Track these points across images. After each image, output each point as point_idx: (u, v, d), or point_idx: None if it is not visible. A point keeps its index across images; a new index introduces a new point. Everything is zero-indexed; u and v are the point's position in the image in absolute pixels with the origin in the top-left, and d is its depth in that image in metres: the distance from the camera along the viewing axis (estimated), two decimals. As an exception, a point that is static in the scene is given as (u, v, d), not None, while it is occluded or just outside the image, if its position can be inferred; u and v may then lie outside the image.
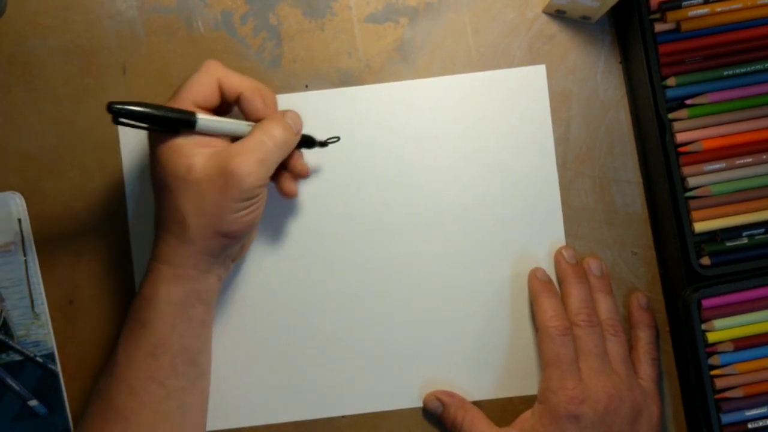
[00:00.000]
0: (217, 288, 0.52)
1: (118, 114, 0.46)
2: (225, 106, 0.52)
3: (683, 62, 0.55)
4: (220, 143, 0.50)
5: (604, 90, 0.58)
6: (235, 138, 0.50)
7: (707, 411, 0.53)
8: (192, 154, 0.48)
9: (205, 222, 0.48)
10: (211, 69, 0.50)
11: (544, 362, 0.54)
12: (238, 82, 0.50)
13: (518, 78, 0.58)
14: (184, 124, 0.48)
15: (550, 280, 0.56)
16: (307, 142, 0.55)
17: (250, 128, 0.51)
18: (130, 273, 0.57)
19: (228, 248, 0.50)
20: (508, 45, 0.58)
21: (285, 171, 0.54)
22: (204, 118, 0.49)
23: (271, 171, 0.50)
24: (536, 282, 0.56)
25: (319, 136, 0.56)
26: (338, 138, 0.56)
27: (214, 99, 0.50)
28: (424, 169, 0.58)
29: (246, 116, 0.52)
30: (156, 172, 0.49)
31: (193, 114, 0.48)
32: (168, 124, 0.48)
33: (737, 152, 0.55)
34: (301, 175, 0.54)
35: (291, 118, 0.52)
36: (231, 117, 0.51)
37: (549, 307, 0.55)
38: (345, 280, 0.57)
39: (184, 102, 0.49)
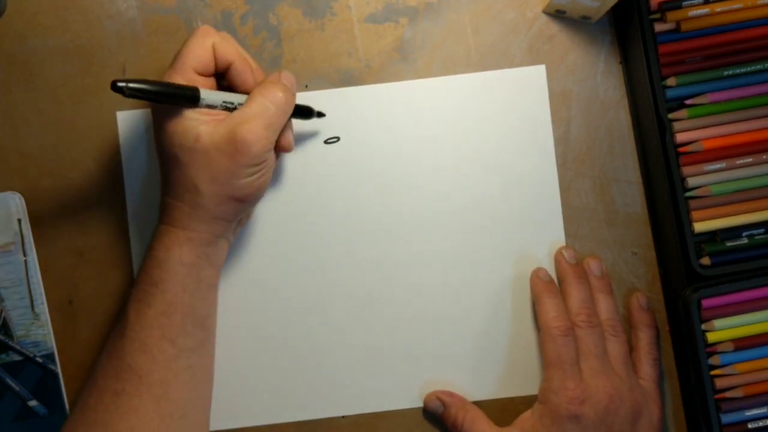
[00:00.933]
0: (225, 251, 0.54)
1: (121, 91, 0.47)
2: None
3: (683, 62, 0.55)
4: (221, 112, 0.50)
5: (604, 90, 0.58)
6: (234, 108, 0.51)
7: (707, 411, 0.53)
8: (197, 123, 0.49)
9: (217, 189, 0.49)
10: (207, 34, 0.51)
11: (545, 362, 0.54)
12: (230, 51, 0.51)
13: (518, 78, 0.58)
14: (189, 99, 0.49)
15: (552, 280, 0.56)
16: (304, 112, 0.55)
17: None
18: (130, 273, 0.57)
19: (241, 212, 0.52)
20: (508, 45, 0.58)
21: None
22: (206, 94, 0.49)
23: (277, 134, 0.51)
24: (538, 282, 0.56)
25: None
26: (324, 114, 0.56)
27: (211, 65, 0.51)
28: (424, 169, 0.58)
29: (233, 87, 0.52)
30: (163, 144, 0.50)
31: (196, 89, 0.49)
32: (173, 99, 0.49)
33: (737, 152, 0.55)
34: (285, 148, 0.54)
35: (287, 78, 0.52)
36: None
37: (551, 308, 0.55)
38: (345, 280, 0.57)
39: (185, 71, 0.50)
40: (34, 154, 0.58)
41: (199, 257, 0.51)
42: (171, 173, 0.50)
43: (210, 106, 0.50)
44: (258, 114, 0.49)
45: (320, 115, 0.56)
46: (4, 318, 0.56)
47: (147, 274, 0.51)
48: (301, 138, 0.57)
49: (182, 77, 0.50)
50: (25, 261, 0.56)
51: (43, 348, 0.56)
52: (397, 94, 0.58)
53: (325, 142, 0.57)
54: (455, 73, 0.58)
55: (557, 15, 0.58)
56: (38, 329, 0.56)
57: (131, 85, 0.46)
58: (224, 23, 0.58)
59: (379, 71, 0.58)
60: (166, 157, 0.50)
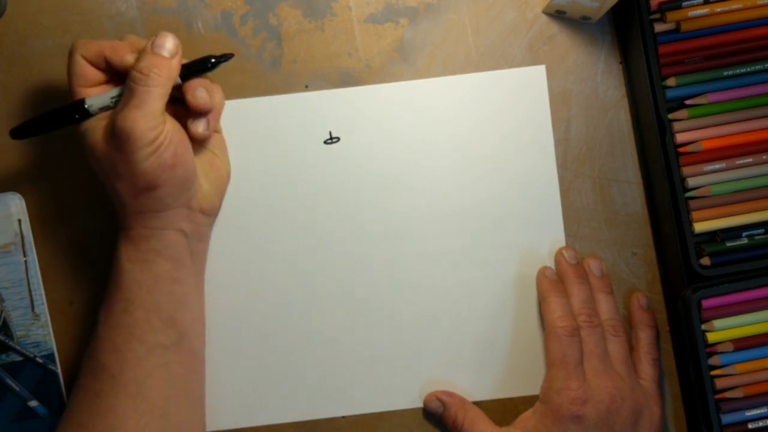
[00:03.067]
0: (181, 243, 0.52)
1: (22, 137, 0.51)
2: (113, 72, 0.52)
3: (683, 62, 0.55)
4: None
5: (604, 90, 0.58)
6: None
7: (707, 411, 0.53)
8: (93, 133, 0.50)
9: (126, 184, 0.49)
10: (73, 52, 0.50)
11: (549, 362, 0.54)
12: (98, 49, 0.50)
13: (518, 78, 0.58)
14: (79, 112, 0.50)
15: (559, 280, 0.56)
16: (200, 67, 0.51)
17: None
18: (130, 273, 0.57)
19: (164, 198, 0.50)
20: (508, 45, 0.58)
21: (188, 112, 0.52)
22: (92, 100, 0.50)
23: (156, 109, 0.48)
24: (545, 281, 0.56)
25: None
26: (232, 55, 0.51)
27: (94, 74, 0.51)
28: (424, 170, 0.58)
29: (126, 72, 0.50)
30: (89, 162, 0.51)
31: (80, 101, 0.50)
32: (65, 120, 0.50)
33: (737, 152, 0.55)
34: (199, 109, 0.51)
35: (157, 45, 0.49)
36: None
37: (557, 307, 0.54)
38: (345, 281, 0.57)
39: (77, 93, 0.50)
40: (34, 155, 0.58)
41: (146, 253, 0.51)
42: (104, 184, 0.51)
43: (106, 108, 0.50)
44: (128, 97, 0.48)
45: (224, 58, 0.51)
46: (5, 318, 0.56)
47: (110, 277, 0.52)
48: (301, 138, 0.57)
49: (76, 99, 0.50)
50: (25, 261, 0.56)
51: (44, 348, 0.56)
52: (397, 95, 0.58)
53: (325, 142, 0.57)
54: (455, 73, 0.58)
55: (557, 15, 0.58)
56: (38, 330, 0.56)
57: (18, 130, 0.51)
58: (224, 23, 0.58)
59: (379, 71, 0.58)
60: (94, 171, 0.51)
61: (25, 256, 0.56)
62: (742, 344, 0.53)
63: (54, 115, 0.51)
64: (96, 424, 0.49)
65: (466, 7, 0.58)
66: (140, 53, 0.50)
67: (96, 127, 0.50)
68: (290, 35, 0.58)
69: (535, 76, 0.58)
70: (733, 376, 0.53)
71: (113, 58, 0.50)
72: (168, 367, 0.51)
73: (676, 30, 0.55)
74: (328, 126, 0.58)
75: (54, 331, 0.57)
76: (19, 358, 0.56)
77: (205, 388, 0.55)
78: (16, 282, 0.56)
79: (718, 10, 0.54)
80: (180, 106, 0.52)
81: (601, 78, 0.58)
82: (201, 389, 0.55)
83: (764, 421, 0.53)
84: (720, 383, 0.53)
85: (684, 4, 0.54)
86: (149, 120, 0.48)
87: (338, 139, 0.57)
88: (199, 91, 0.51)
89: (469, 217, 0.57)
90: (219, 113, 0.53)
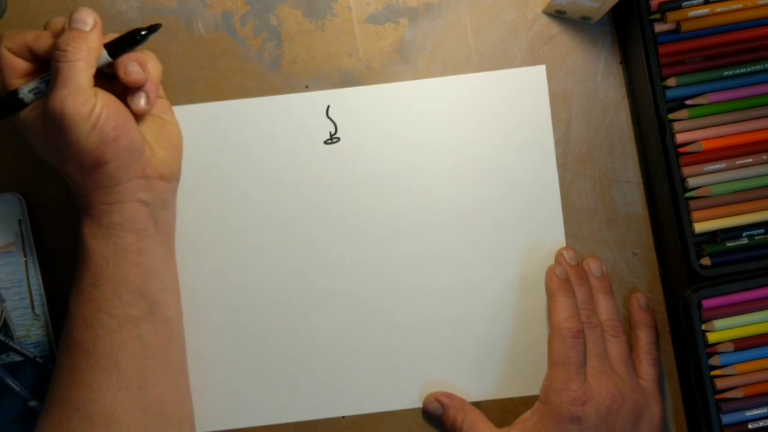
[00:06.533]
0: (142, 213, 0.51)
1: None
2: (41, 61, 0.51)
3: (683, 63, 0.55)
4: None
5: (604, 90, 0.58)
6: None
7: (707, 411, 0.53)
8: (31, 119, 0.50)
9: (73, 165, 0.49)
10: None
11: (551, 361, 0.54)
12: (21, 41, 0.50)
13: (518, 78, 0.58)
14: (13, 102, 0.49)
15: (568, 279, 0.56)
16: (128, 41, 0.50)
17: None
18: (131, 274, 0.57)
19: (115, 173, 0.50)
20: (508, 46, 0.58)
21: (124, 87, 0.51)
22: (24, 87, 0.49)
23: (83, 84, 0.48)
24: (555, 280, 0.56)
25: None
26: (160, 25, 0.50)
27: (21, 64, 0.50)
28: (424, 171, 0.58)
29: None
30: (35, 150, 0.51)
31: (13, 91, 0.49)
32: (3, 112, 0.49)
33: (737, 152, 0.55)
34: (133, 84, 0.50)
35: (75, 20, 0.49)
36: None
37: (564, 308, 0.54)
38: (345, 281, 0.57)
39: (10, 86, 0.50)
40: (34, 155, 0.57)
41: (108, 227, 0.50)
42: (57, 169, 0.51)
43: (39, 94, 0.49)
44: (54, 77, 0.48)
45: (152, 29, 0.50)
46: (5, 319, 0.56)
47: (77, 256, 0.52)
48: (301, 138, 0.58)
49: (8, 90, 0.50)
50: (26, 262, 0.56)
51: (44, 349, 0.56)
52: (398, 95, 0.58)
53: (325, 142, 0.57)
54: (455, 73, 0.58)
55: (557, 15, 0.58)
56: (39, 330, 0.56)
57: None
58: (225, 24, 0.58)
59: (379, 72, 0.58)
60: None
61: (25, 256, 0.56)
62: (743, 344, 0.53)
63: None
64: (74, 399, 0.49)
65: (466, 8, 0.58)
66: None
67: (32, 117, 0.49)
68: (290, 35, 0.58)
69: (536, 77, 0.58)
70: (733, 377, 0.53)
71: (37, 46, 0.50)
72: (142, 338, 0.51)
73: (677, 30, 0.55)
74: (328, 126, 0.58)
75: (54, 332, 0.57)
76: (19, 359, 0.56)
77: (185, 356, 0.55)
78: (17, 282, 0.56)
79: (719, 10, 0.54)
80: (119, 84, 0.51)
81: (602, 78, 0.58)
82: (180, 357, 0.54)
83: (764, 421, 0.53)
84: (720, 383, 0.53)
85: (684, 4, 0.54)
86: (78, 95, 0.47)
87: (338, 139, 0.57)
88: (130, 66, 0.50)
89: (469, 218, 0.57)
90: (157, 82, 0.52)
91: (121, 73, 0.50)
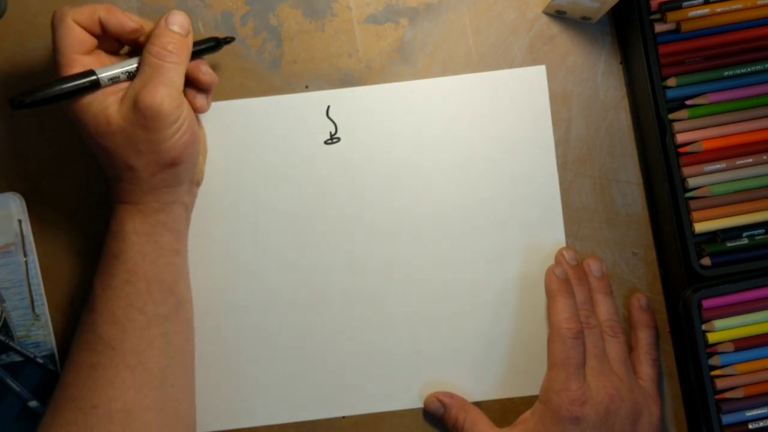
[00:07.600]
0: (183, 216, 0.53)
1: (23, 107, 0.47)
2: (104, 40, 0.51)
3: (683, 63, 0.55)
4: (124, 84, 0.50)
5: (604, 91, 0.58)
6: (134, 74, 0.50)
7: (707, 411, 0.53)
8: (104, 106, 0.49)
9: (146, 160, 0.49)
10: (62, 17, 0.49)
11: (550, 362, 0.54)
12: (91, 12, 0.49)
13: (518, 78, 0.58)
14: (89, 84, 0.48)
15: (568, 279, 0.56)
16: (210, 47, 0.53)
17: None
18: (131, 274, 0.57)
19: (181, 174, 0.51)
20: (508, 46, 0.58)
21: (191, 87, 0.53)
22: (104, 72, 0.49)
23: (179, 86, 0.50)
24: (555, 280, 0.56)
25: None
26: (233, 38, 0.55)
27: (89, 41, 0.50)
28: (424, 170, 0.58)
29: (121, 39, 0.51)
30: (84, 136, 0.50)
31: (92, 72, 0.48)
32: (74, 91, 0.48)
33: (737, 152, 0.55)
34: (209, 84, 0.53)
35: (173, 21, 0.50)
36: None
37: (564, 308, 0.54)
38: (346, 281, 0.57)
39: (73, 61, 0.49)
40: (34, 155, 0.58)
41: (154, 225, 0.51)
42: (103, 160, 0.51)
43: (114, 80, 0.49)
44: (152, 73, 0.48)
45: (227, 40, 0.55)
46: (5, 319, 0.56)
47: (107, 249, 0.51)
48: (301, 138, 0.58)
49: (74, 67, 0.48)
50: (26, 262, 0.56)
51: (44, 349, 0.56)
52: (398, 95, 0.58)
53: (326, 142, 0.57)
54: (455, 73, 0.58)
55: (557, 16, 0.58)
56: (39, 330, 0.56)
57: (28, 99, 0.47)
58: (224, 24, 0.58)
59: (379, 72, 0.58)
60: (92, 147, 0.50)
61: (25, 256, 0.56)
62: (743, 344, 0.53)
63: (60, 83, 0.48)
64: (92, 396, 0.49)
65: (466, 8, 0.58)
66: (149, 27, 0.50)
67: (106, 101, 0.49)
68: (290, 35, 0.58)
69: (536, 77, 0.58)
70: (733, 377, 0.53)
71: (110, 20, 0.49)
72: (167, 337, 0.51)
73: (677, 30, 0.55)
74: (329, 126, 0.58)
75: (54, 331, 0.57)
76: (19, 359, 0.56)
77: (195, 359, 0.55)
78: (17, 282, 0.56)
79: (719, 10, 0.54)
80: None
81: (602, 78, 0.58)
82: (193, 359, 0.55)
83: (765, 421, 0.53)
84: (720, 383, 0.53)
85: (684, 4, 0.54)
86: (175, 97, 0.49)
87: (338, 139, 0.57)
88: (205, 68, 0.53)
89: (469, 218, 0.57)
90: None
91: (201, 74, 0.52)
